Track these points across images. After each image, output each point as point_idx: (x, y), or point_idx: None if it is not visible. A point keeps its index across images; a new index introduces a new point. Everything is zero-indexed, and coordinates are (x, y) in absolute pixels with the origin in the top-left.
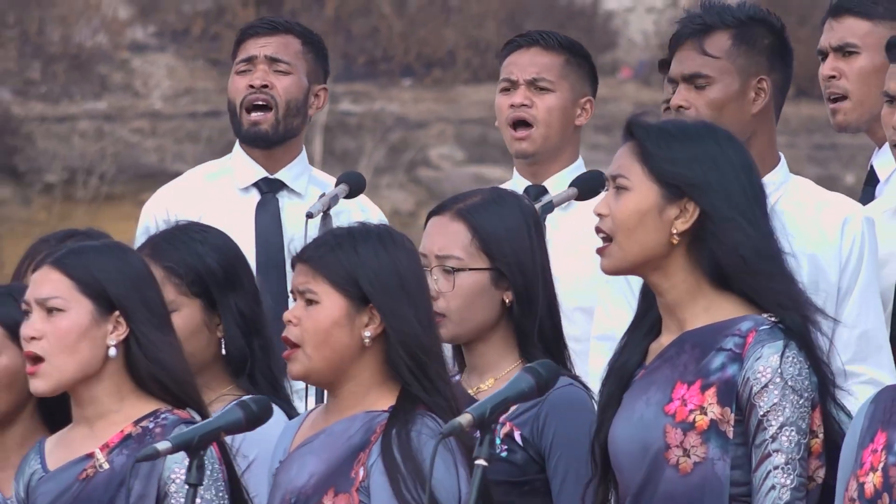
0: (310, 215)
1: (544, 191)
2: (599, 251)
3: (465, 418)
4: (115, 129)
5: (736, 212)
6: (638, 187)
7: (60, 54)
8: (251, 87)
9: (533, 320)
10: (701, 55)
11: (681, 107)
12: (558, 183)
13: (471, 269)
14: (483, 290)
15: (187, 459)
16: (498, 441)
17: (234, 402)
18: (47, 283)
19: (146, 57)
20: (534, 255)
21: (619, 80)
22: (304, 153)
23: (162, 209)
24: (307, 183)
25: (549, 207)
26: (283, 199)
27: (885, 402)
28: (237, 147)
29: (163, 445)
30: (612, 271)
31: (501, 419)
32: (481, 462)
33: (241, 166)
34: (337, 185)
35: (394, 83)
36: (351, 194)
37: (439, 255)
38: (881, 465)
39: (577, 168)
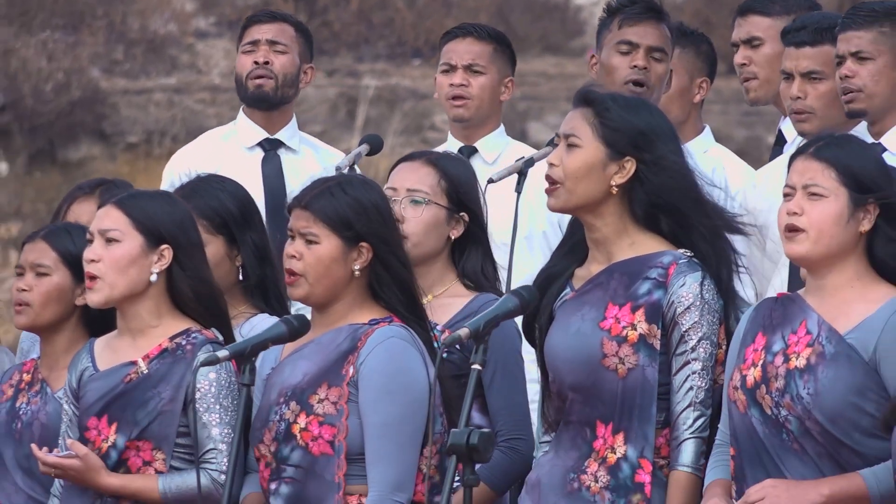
0: (338, 168)
1: (475, 150)
2: (548, 191)
3: (463, 331)
4: (183, 99)
5: (669, 168)
6: (587, 146)
7: (139, 40)
8: (255, 63)
9: (469, 257)
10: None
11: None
12: (486, 144)
13: (436, 204)
14: (439, 222)
15: (212, 373)
16: (438, 345)
17: (279, 319)
18: (108, 218)
19: (207, 42)
20: (479, 203)
21: (587, 60)
22: (294, 118)
23: (185, 166)
24: (299, 142)
25: (531, 162)
26: (283, 155)
27: (764, 310)
28: (241, 114)
29: (222, 353)
30: (556, 209)
31: (441, 328)
32: (477, 366)
33: (245, 129)
34: (360, 144)
35: (406, 63)
36: (372, 152)
37: (410, 188)
38: (761, 361)
39: (500, 133)
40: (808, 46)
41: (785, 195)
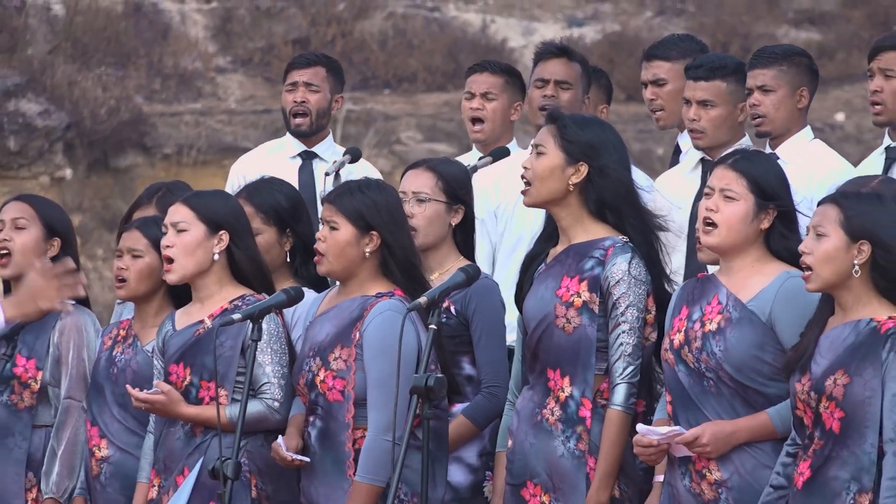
0: (327, 174)
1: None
2: (523, 192)
3: (423, 299)
4: (206, 120)
5: (611, 174)
6: (550, 154)
7: (172, 74)
8: (294, 101)
9: (467, 238)
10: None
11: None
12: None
13: (435, 200)
14: (439, 215)
15: (264, 323)
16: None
17: (280, 290)
18: (177, 213)
19: (225, 76)
20: (472, 196)
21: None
22: (330, 135)
23: (243, 169)
24: (332, 154)
25: (475, 169)
26: (316, 164)
27: (688, 288)
28: (288, 134)
29: (236, 316)
30: (530, 205)
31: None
32: (433, 326)
33: (289, 143)
34: (344, 155)
35: (379, 92)
36: (353, 161)
37: (415, 191)
38: (684, 328)
39: (513, 146)
40: (703, 80)
41: (705, 194)
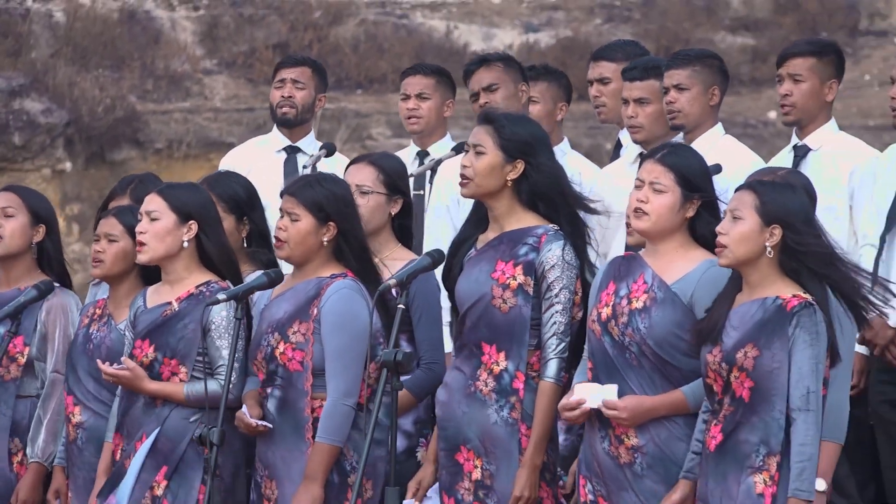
0: (305, 167)
1: (426, 153)
2: (461, 185)
3: (391, 281)
4: (194, 118)
5: (545, 169)
6: (490, 153)
7: (163, 75)
8: (282, 96)
9: (404, 225)
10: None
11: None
12: (437, 148)
13: (376, 192)
14: (380, 205)
15: (223, 310)
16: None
17: (261, 272)
18: (151, 203)
19: (211, 77)
20: (409, 187)
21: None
22: (312, 132)
23: (233, 162)
24: (314, 149)
25: (440, 162)
26: (299, 158)
27: (615, 264)
28: (275, 129)
29: (221, 296)
30: (468, 196)
31: (393, 280)
32: (401, 306)
33: (275, 138)
34: (320, 150)
35: (352, 92)
36: (328, 155)
37: (358, 184)
38: (612, 302)
39: (448, 140)
40: (638, 80)
41: (636, 185)
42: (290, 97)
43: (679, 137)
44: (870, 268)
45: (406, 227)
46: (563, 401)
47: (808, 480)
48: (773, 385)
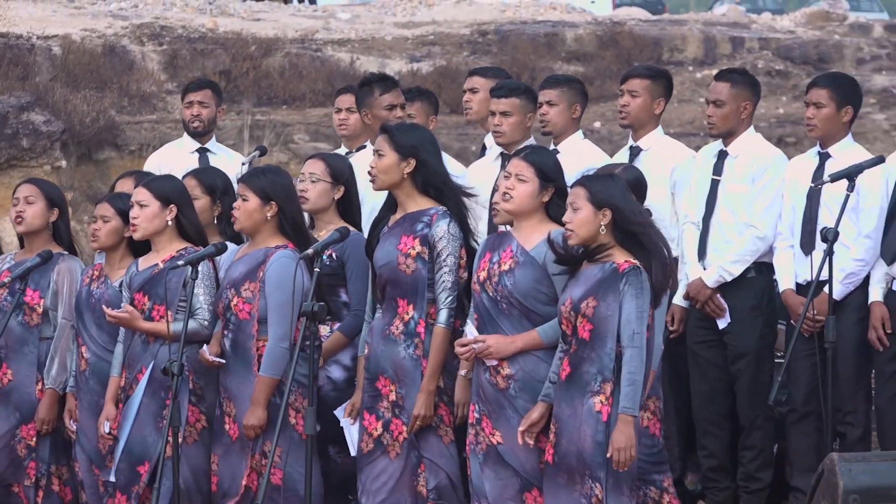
0: (243, 163)
1: (363, 147)
2: (371, 181)
3: (309, 251)
4: (160, 127)
5: (431, 166)
6: (388, 155)
7: (136, 94)
8: (192, 115)
9: (346, 207)
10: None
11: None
12: (362, 148)
13: (323, 181)
14: (326, 190)
15: (201, 266)
16: (325, 258)
17: (212, 244)
18: (140, 194)
19: (173, 96)
20: (353, 179)
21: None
22: (214, 136)
23: (157, 160)
24: (217, 149)
25: (252, 160)
26: (209, 157)
27: (491, 239)
28: (185, 136)
29: (181, 262)
30: (378, 189)
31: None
32: (317, 270)
33: (188, 143)
34: (255, 150)
35: (279, 107)
36: (261, 155)
37: (310, 173)
38: (487, 267)
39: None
40: (504, 98)
41: (504, 177)
42: (198, 115)
43: (531, 141)
44: (691, 239)
45: (348, 209)
46: (458, 340)
47: (633, 400)
48: (607, 328)
